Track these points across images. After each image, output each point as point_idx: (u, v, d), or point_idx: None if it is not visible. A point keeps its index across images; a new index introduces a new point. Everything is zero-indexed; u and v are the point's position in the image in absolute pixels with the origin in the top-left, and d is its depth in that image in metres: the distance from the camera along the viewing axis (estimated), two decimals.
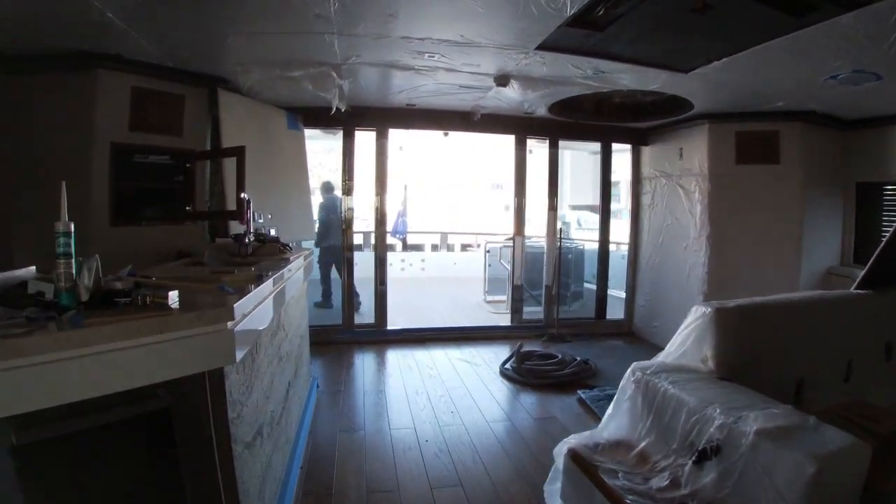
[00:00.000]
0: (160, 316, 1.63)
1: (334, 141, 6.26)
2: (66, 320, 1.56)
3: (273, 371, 2.77)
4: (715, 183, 5.92)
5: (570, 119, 6.12)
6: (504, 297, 9.09)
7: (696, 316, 3.15)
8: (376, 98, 5.41)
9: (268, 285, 2.42)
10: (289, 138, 5.45)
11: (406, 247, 13.27)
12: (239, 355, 1.84)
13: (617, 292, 7.51)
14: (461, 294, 10.22)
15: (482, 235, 20.75)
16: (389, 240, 8.24)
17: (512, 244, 6.91)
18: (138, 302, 1.76)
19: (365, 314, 6.89)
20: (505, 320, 7.35)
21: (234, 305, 1.75)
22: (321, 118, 5.70)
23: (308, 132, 6.55)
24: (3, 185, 3.67)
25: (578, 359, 5.39)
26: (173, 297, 1.77)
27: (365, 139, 6.55)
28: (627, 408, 3.06)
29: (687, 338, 3.21)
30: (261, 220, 4.73)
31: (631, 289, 7.23)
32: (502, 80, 4.53)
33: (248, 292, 1.98)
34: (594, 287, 8.31)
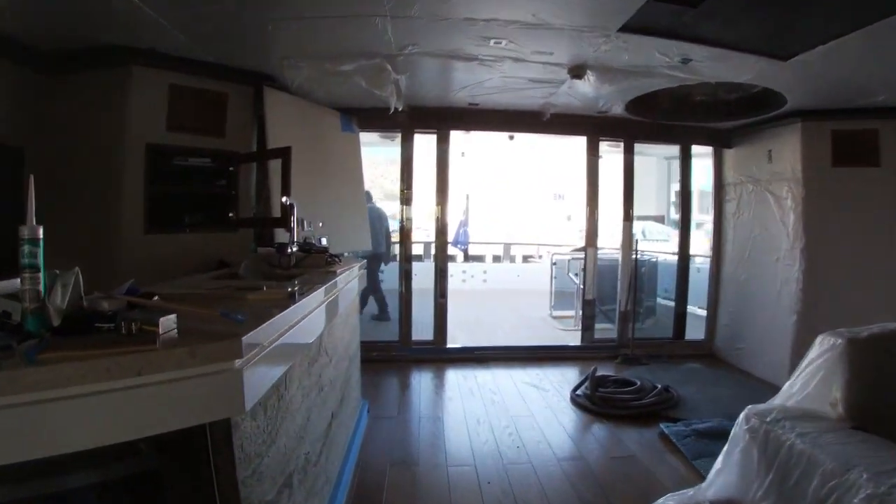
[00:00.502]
0: (140, 352, 1.22)
1: (396, 150, 5.87)
2: (20, 353, 1.17)
3: (311, 405, 2.35)
4: (810, 188, 5.19)
5: (647, 119, 5.52)
6: (571, 313, 8.49)
7: (822, 349, 2.54)
8: (436, 96, 4.98)
9: (304, 305, 2.00)
10: (343, 141, 5.11)
11: (467, 258, 12.81)
12: (251, 401, 1.41)
13: (695, 309, 6.80)
14: (525, 308, 9.66)
15: (546, 246, 20.12)
16: (450, 250, 7.83)
17: (583, 256, 6.30)
18: (122, 329, 1.36)
19: (422, 330, 6.44)
20: (574, 338, 6.76)
21: (244, 338, 1.32)
22: (378, 120, 5.35)
23: (366, 139, 6.24)
24: (35, 190, 3.44)
25: (659, 386, 4.75)
26: (166, 323, 1.36)
27: (424, 144, 6.16)
28: (739, 462, 2.50)
29: (812, 376, 2.59)
30: (310, 229, 4.38)
31: (712, 306, 6.50)
32: (577, 71, 4.01)
33: (269, 318, 1.54)
34: (668, 303, 7.66)
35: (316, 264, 3.22)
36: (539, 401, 4.71)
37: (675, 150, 6.71)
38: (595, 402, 4.50)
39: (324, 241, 4.48)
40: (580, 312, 7.85)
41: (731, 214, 6.24)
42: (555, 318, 8.73)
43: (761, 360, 5.59)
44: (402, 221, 5.78)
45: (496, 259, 16.63)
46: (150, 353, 1.23)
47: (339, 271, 3.02)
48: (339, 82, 4.21)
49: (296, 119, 4.53)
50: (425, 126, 5.67)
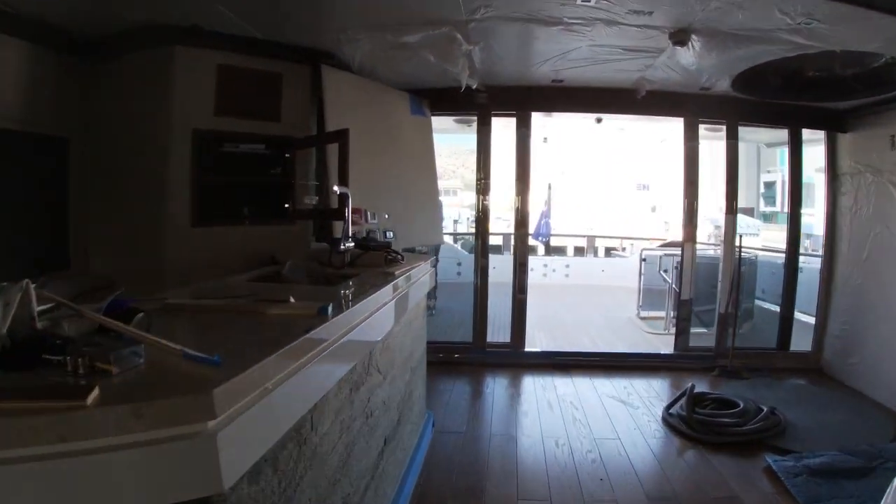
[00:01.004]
0: (63, 409, 0.85)
1: (474, 137, 5.40)
2: None
3: (354, 437, 1.94)
4: None
5: (754, 97, 4.77)
6: (661, 314, 7.75)
7: None
8: (514, 72, 4.45)
9: (340, 323, 1.59)
10: (413, 126, 4.70)
11: (549, 250, 12.19)
12: (236, 473, 1.00)
13: (798, 315, 5.97)
14: (610, 307, 8.98)
15: (631, 240, 19.09)
16: (530, 242, 7.31)
17: (680, 252, 5.60)
18: (68, 367, 1.00)
19: (499, 330, 5.97)
20: (664, 345, 6.10)
21: (217, 391, 0.91)
22: (451, 102, 4.93)
23: (440, 125, 5.81)
24: (79, 182, 3.24)
25: (764, 409, 4.05)
26: (124, 360, 0.99)
27: (503, 129, 5.66)
28: None
29: None
30: (375, 221, 4.02)
31: (822, 314, 5.61)
32: (680, 36, 3.37)
33: (262, 358, 1.12)
34: (766, 305, 6.87)
35: (374, 263, 2.82)
36: (626, 420, 4.14)
37: (766, 135, 5.89)
38: (692, 426, 3.87)
39: (389, 235, 4.11)
40: (672, 314, 7.15)
41: (847, 209, 5.34)
42: (643, 318, 8.01)
43: (879, 381, 4.74)
44: (478, 212, 5.31)
45: (578, 251, 15.87)
46: (78, 412, 0.85)
47: (398, 272, 2.60)
48: (405, 58, 3.79)
49: (359, 101, 4.16)
50: (503, 108, 5.16)
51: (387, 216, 4.09)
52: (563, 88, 4.79)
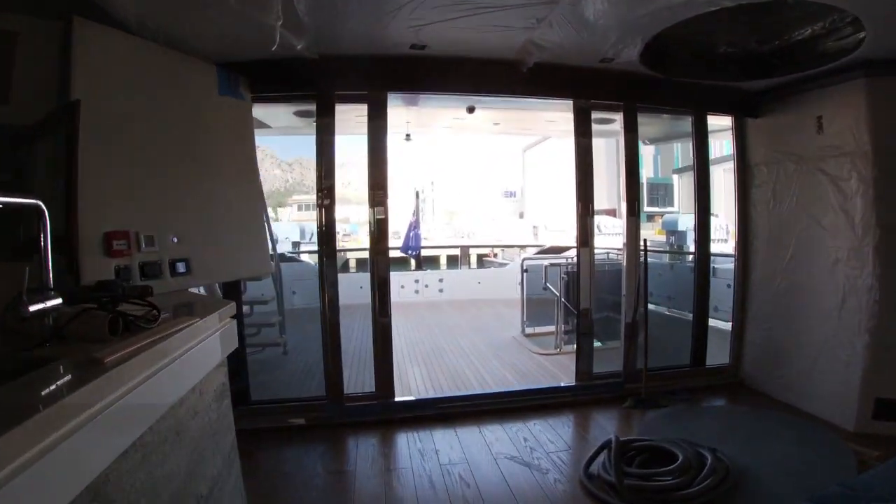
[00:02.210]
0: None
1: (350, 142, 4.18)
2: None
3: None
4: (884, 166, 3.81)
5: (659, 74, 4.01)
6: (549, 329, 6.94)
7: None
8: (361, 32, 3.23)
9: None
10: (222, 111, 3.34)
11: (420, 265, 11.12)
12: None
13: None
14: (492, 325, 8.06)
15: (503, 247, 18.67)
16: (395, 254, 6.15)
17: (566, 260, 4.72)
18: None
19: (361, 372, 4.74)
20: (559, 368, 5.29)
21: None
22: (281, 80, 3.65)
23: (277, 120, 4.52)
24: None
25: (707, 456, 3.19)
26: None
27: (352, 119, 4.48)
28: None
29: None
30: (154, 248, 2.64)
31: (739, 321, 5.04)
32: None
33: None
34: (660, 309, 6.23)
35: (93, 334, 1.48)
36: (534, 491, 3.09)
37: (650, 129, 5.30)
38: (623, 496, 2.90)
39: (180, 268, 2.76)
40: (562, 328, 6.33)
41: (763, 203, 4.79)
42: (529, 336, 7.16)
43: (814, 393, 4.21)
44: (321, 227, 4.02)
45: (451, 261, 15.01)
46: None
47: (128, 352, 1.30)
48: (202, 6, 2.48)
49: (133, 71, 2.75)
50: (350, 87, 3.94)
51: (175, 240, 2.71)
52: (427, 58, 3.65)
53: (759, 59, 4.02)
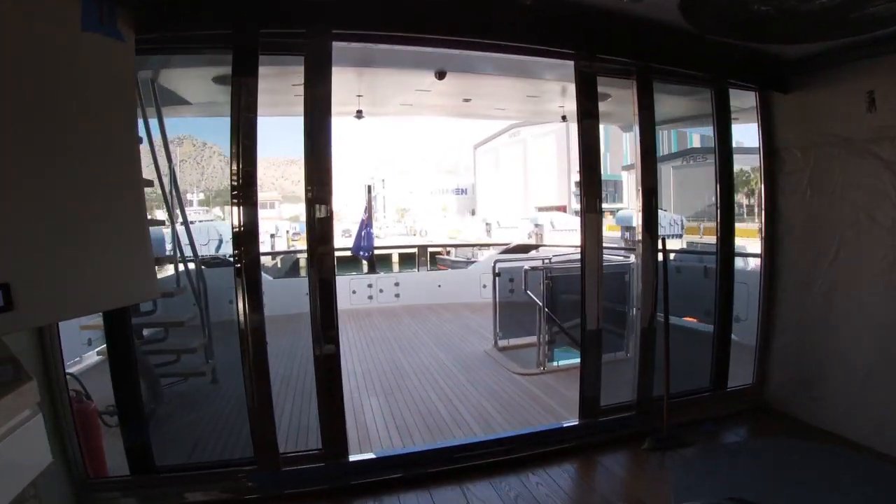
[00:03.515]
0: None
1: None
2: None
3: None
4: None
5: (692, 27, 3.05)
6: (526, 340, 5.99)
7: None
8: None
9: None
10: (89, 55, 2.15)
11: (374, 267, 9.97)
12: None
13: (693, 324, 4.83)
14: (458, 335, 7.03)
15: (466, 247, 17.68)
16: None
17: (580, 262, 3.70)
18: None
19: (297, 422, 3.65)
20: (554, 400, 4.34)
21: None
22: (176, 10, 2.51)
23: (184, 80, 3.40)
24: None
25: None
26: None
27: (289, 90, 3.36)
28: None
29: None
30: None
31: (764, 333, 4.19)
32: None
33: None
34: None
35: None
36: None
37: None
38: None
39: None
40: (545, 340, 5.36)
41: (795, 193, 3.95)
42: (503, 350, 6.16)
43: (864, 419, 3.42)
44: (237, 227, 2.84)
45: (405, 261, 13.93)
46: None
47: None
48: None
49: None
50: (280, 21, 2.80)
51: None
52: None
53: (798, 20, 3.12)
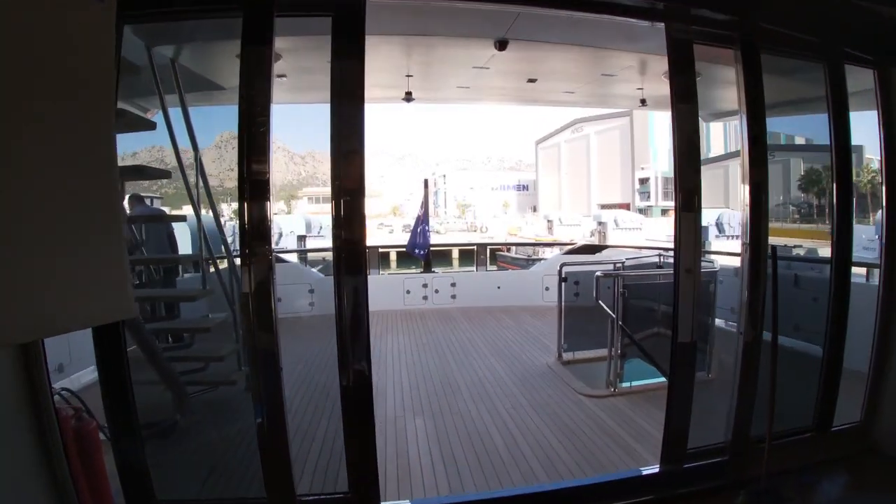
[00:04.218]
0: None
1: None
2: None
3: None
4: None
5: None
6: (594, 354, 5.33)
7: None
8: None
9: None
10: (49, 18, 1.65)
11: (430, 266, 9.43)
12: None
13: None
14: (517, 344, 6.39)
15: (527, 245, 16.91)
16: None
17: (673, 267, 3.01)
18: None
19: (321, 461, 3.12)
20: (628, 432, 3.66)
21: None
22: None
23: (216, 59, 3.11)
24: None
25: None
26: None
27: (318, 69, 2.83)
28: None
29: None
30: None
31: (879, 360, 3.36)
32: None
33: None
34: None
35: None
36: None
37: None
38: None
39: None
40: (616, 354, 4.67)
41: None
42: (567, 364, 5.49)
43: None
44: (246, 225, 2.30)
45: (464, 257, 13.37)
46: None
47: None
48: None
49: None
50: None
51: None
52: None
53: None
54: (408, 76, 4.27)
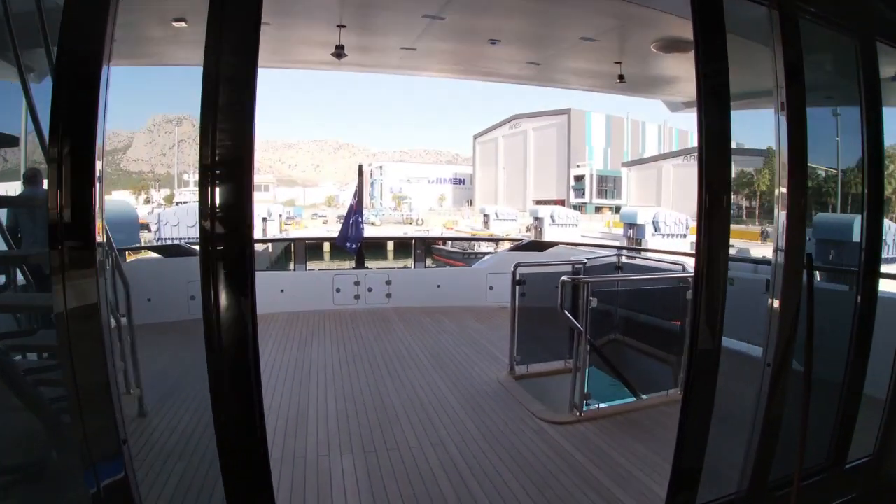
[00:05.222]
0: None
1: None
2: None
3: None
4: None
5: None
6: (548, 367, 4.67)
7: None
8: None
9: None
10: None
11: (363, 261, 8.54)
12: None
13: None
14: (462, 353, 5.62)
15: (462, 240, 16.24)
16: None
17: (694, 273, 2.52)
18: None
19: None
20: (603, 471, 2.99)
21: None
22: None
23: None
24: None
25: None
26: None
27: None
28: None
29: None
30: None
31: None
32: None
33: None
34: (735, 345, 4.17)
35: None
36: None
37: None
38: None
39: None
40: (578, 371, 4.02)
41: None
42: (520, 378, 4.79)
43: None
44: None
45: (399, 250, 12.55)
46: None
47: None
48: None
49: None
50: None
51: None
52: None
53: None
54: (340, 26, 3.39)
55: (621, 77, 4.30)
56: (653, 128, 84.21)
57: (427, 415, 3.99)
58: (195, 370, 1.68)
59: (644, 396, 4.39)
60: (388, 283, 8.10)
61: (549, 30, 3.54)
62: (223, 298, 1.54)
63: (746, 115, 2.48)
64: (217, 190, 1.49)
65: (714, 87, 2.16)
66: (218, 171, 1.49)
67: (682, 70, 4.09)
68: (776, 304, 2.36)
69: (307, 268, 8.60)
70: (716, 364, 2.26)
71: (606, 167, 79.31)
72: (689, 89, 5.33)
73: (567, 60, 4.24)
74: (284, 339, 6.15)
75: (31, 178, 3.82)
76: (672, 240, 28.41)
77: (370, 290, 7.99)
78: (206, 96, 1.52)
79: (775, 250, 2.36)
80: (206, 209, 1.47)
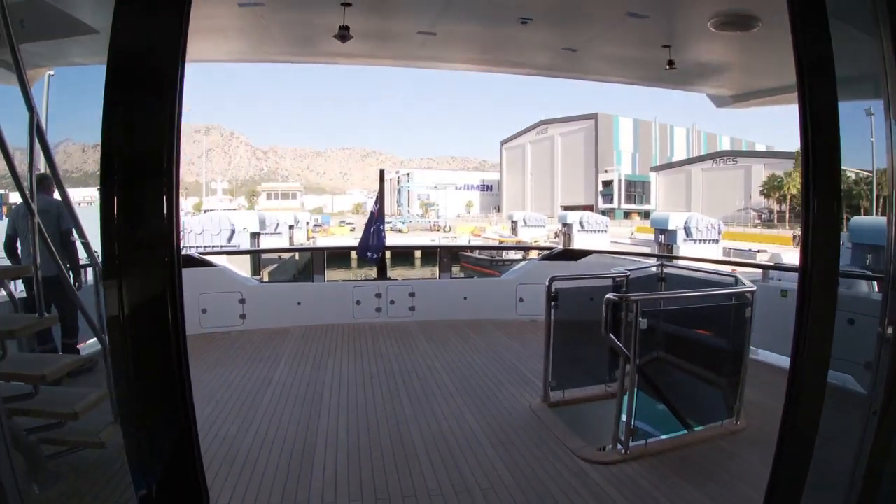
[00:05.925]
0: None
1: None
2: None
3: None
4: None
5: None
6: (587, 392, 4.15)
7: None
8: None
9: None
10: None
11: (383, 272, 8.09)
12: None
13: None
14: (491, 375, 5.11)
15: (489, 247, 15.79)
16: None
17: (798, 285, 2.38)
18: None
19: None
20: None
21: None
22: None
23: None
24: None
25: None
26: None
27: None
28: None
29: None
30: None
31: None
32: None
33: None
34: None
35: None
36: None
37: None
38: None
39: None
40: (625, 399, 3.49)
41: None
42: (555, 406, 4.27)
43: None
44: None
45: (427, 258, 12.07)
46: None
47: None
48: None
49: None
50: None
51: None
52: None
53: None
54: (344, 4, 2.90)
55: (671, 63, 3.73)
56: (681, 131, 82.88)
57: (450, 451, 3.49)
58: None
59: (696, 428, 3.84)
60: (412, 294, 7.63)
61: (590, 5, 3.02)
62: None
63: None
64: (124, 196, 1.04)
65: (817, 66, 1.65)
66: (127, 175, 1.04)
67: (736, 54, 3.54)
68: (889, 331, 1.83)
69: (326, 279, 8.17)
70: (819, 407, 1.75)
71: (635, 172, 78.29)
72: (740, 80, 4.77)
73: (608, 45, 3.70)
74: (298, 356, 5.72)
75: (41, 186, 3.47)
76: (705, 246, 27.45)
77: (392, 302, 7.53)
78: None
79: (888, 262, 1.83)
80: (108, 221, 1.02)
